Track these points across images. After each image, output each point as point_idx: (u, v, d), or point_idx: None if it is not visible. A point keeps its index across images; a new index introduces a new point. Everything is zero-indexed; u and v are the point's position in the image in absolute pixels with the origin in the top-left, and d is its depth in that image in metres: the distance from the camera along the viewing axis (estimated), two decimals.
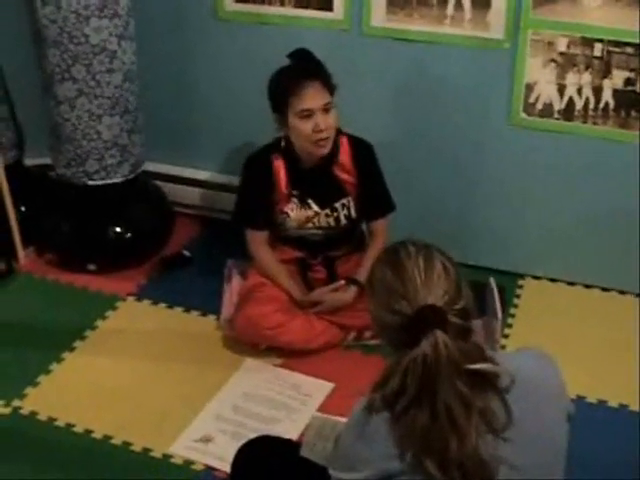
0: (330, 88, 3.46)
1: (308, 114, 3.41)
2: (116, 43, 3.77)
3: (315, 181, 3.61)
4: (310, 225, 3.66)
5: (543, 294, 4.03)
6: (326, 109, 3.43)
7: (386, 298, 1.93)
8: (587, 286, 4.05)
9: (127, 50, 3.83)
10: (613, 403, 3.37)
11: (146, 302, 3.96)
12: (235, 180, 3.97)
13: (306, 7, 3.92)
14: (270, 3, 3.97)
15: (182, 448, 3.15)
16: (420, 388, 1.82)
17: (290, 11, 3.95)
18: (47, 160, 4.22)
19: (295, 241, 3.72)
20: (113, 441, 3.17)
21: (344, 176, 3.61)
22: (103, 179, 3.99)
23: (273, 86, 3.51)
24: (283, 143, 3.58)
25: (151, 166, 4.33)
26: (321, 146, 3.47)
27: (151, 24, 4.16)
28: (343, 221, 3.65)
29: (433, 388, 1.81)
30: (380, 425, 1.89)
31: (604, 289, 4.03)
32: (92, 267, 4.11)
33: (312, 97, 3.40)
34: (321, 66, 3.48)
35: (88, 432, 3.21)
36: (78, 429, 3.23)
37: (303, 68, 3.47)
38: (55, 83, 3.80)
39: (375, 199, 3.69)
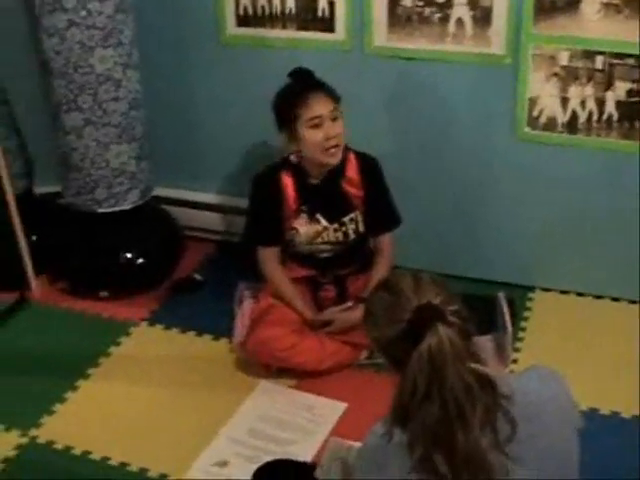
0: (334, 96, 3.49)
1: (318, 122, 3.43)
2: (121, 72, 3.81)
3: (323, 196, 3.64)
4: (319, 240, 3.67)
5: (554, 306, 4.03)
6: (334, 117, 3.46)
7: (383, 314, 2.01)
8: (597, 297, 4.05)
9: (132, 78, 3.87)
10: (626, 415, 3.36)
11: (158, 327, 3.97)
12: (242, 202, 3.99)
13: (308, 29, 3.95)
14: (272, 26, 3.99)
15: (199, 473, 3.16)
16: (429, 381, 1.88)
17: (292, 34, 3.98)
18: (57, 188, 4.26)
19: (305, 259, 3.73)
20: (130, 468, 3.19)
21: (352, 190, 3.63)
22: (112, 206, 4.02)
23: (279, 102, 3.54)
24: (294, 158, 3.59)
25: (160, 191, 4.36)
26: (332, 154, 3.49)
27: (155, 51, 4.19)
28: (352, 236, 3.67)
29: (441, 378, 1.87)
30: (396, 452, 1.92)
31: (614, 299, 4.03)
32: (104, 294, 4.14)
33: (319, 104, 3.44)
34: (321, 80, 3.52)
35: (105, 459, 3.23)
36: (95, 457, 3.24)
37: (306, 81, 3.51)
38: (62, 113, 3.84)
39: (381, 213, 3.71)
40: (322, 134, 3.45)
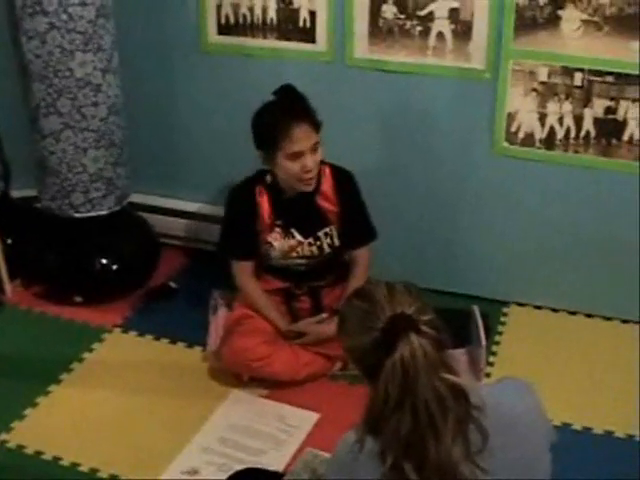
0: (317, 127, 3.44)
1: (298, 155, 3.40)
2: (101, 77, 3.80)
3: (298, 211, 3.63)
4: (294, 254, 3.66)
5: (528, 321, 4.04)
6: (314, 149, 3.43)
7: (358, 322, 2.02)
8: (571, 312, 4.06)
9: (112, 83, 3.86)
10: (598, 430, 3.38)
11: (132, 334, 3.96)
12: (220, 211, 3.98)
13: (289, 39, 3.96)
14: (253, 35, 3.99)
15: None
16: (401, 391, 1.88)
17: (273, 43, 3.98)
18: (33, 192, 4.23)
19: (279, 271, 3.73)
20: (100, 474, 3.17)
21: (327, 205, 3.63)
22: (89, 211, 4.00)
23: (260, 125, 3.49)
24: (269, 178, 3.58)
25: (137, 198, 4.35)
26: (308, 184, 3.49)
27: (135, 57, 4.18)
28: (326, 250, 3.67)
29: (414, 388, 1.88)
30: (367, 461, 1.92)
31: (588, 315, 4.04)
32: (78, 299, 4.12)
33: (302, 139, 3.39)
34: (307, 104, 3.46)
35: (75, 465, 3.21)
36: (65, 462, 3.23)
37: (290, 107, 3.43)
38: (40, 117, 3.83)
39: (356, 227, 3.70)
40: (300, 166, 3.42)
